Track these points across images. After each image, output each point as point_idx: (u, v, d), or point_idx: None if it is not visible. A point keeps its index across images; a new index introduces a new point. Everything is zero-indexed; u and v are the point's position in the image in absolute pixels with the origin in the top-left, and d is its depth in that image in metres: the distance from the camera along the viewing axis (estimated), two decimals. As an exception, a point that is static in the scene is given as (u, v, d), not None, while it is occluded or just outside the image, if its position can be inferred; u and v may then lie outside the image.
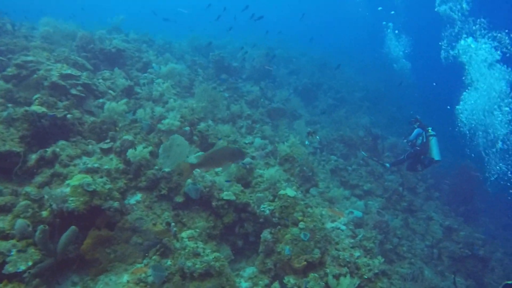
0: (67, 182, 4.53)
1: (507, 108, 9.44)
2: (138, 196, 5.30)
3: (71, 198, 4.21)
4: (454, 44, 10.78)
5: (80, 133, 5.82)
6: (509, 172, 9.90)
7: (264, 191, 6.03)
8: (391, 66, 19.55)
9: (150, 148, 5.57)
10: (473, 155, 10.97)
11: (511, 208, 13.52)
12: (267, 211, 5.51)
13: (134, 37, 12.49)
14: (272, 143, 8.60)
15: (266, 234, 5.28)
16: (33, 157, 4.88)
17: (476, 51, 9.96)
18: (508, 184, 9.93)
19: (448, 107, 11.71)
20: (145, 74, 9.36)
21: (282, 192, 5.80)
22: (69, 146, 5.35)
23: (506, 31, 9.78)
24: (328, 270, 5.15)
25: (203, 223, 5.32)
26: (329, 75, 17.84)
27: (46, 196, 4.34)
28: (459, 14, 11.43)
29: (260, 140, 8.17)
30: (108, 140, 5.84)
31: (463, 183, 11.88)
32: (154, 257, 4.61)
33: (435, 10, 12.24)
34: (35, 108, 5.29)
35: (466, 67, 10.14)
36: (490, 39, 9.99)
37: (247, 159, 6.31)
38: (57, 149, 5.11)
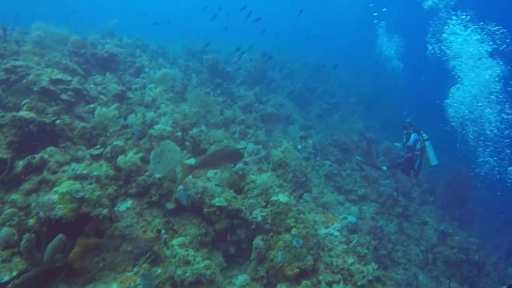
0: (55, 189, 4.42)
1: (493, 96, 9.55)
2: (128, 203, 5.19)
3: (58, 206, 4.11)
4: (440, 38, 10.94)
5: (70, 139, 5.72)
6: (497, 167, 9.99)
7: (256, 197, 5.96)
8: (384, 68, 19.68)
9: (141, 154, 5.48)
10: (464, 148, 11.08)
11: (504, 210, 13.60)
12: (259, 218, 5.45)
13: (128, 42, 12.44)
14: (265, 148, 8.54)
15: (258, 241, 5.21)
16: (21, 163, 4.77)
17: (462, 44, 10.09)
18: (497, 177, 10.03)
19: (437, 101, 11.83)
20: (138, 79, 9.28)
21: (274, 198, 5.73)
22: (58, 152, 5.25)
23: (494, 23, 9.93)
24: (321, 277, 5.08)
25: (195, 230, 5.24)
26: (324, 79, 17.89)
27: (33, 204, 4.25)
28: (443, 7, 11.61)
29: (253, 145, 8.12)
30: (98, 146, 5.74)
31: (457, 187, 11.90)
32: (144, 265, 4.52)
33: (422, 6, 12.42)
34: (23, 113, 5.20)
35: (453, 61, 10.28)
36: (477, 32, 10.14)
37: (240, 165, 6.25)
38: (46, 155, 5.01)
